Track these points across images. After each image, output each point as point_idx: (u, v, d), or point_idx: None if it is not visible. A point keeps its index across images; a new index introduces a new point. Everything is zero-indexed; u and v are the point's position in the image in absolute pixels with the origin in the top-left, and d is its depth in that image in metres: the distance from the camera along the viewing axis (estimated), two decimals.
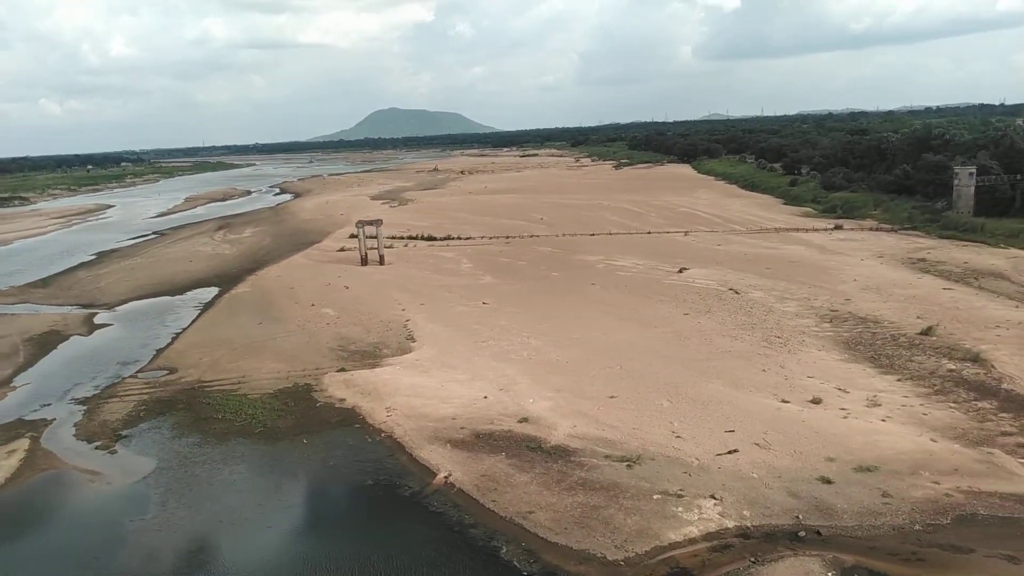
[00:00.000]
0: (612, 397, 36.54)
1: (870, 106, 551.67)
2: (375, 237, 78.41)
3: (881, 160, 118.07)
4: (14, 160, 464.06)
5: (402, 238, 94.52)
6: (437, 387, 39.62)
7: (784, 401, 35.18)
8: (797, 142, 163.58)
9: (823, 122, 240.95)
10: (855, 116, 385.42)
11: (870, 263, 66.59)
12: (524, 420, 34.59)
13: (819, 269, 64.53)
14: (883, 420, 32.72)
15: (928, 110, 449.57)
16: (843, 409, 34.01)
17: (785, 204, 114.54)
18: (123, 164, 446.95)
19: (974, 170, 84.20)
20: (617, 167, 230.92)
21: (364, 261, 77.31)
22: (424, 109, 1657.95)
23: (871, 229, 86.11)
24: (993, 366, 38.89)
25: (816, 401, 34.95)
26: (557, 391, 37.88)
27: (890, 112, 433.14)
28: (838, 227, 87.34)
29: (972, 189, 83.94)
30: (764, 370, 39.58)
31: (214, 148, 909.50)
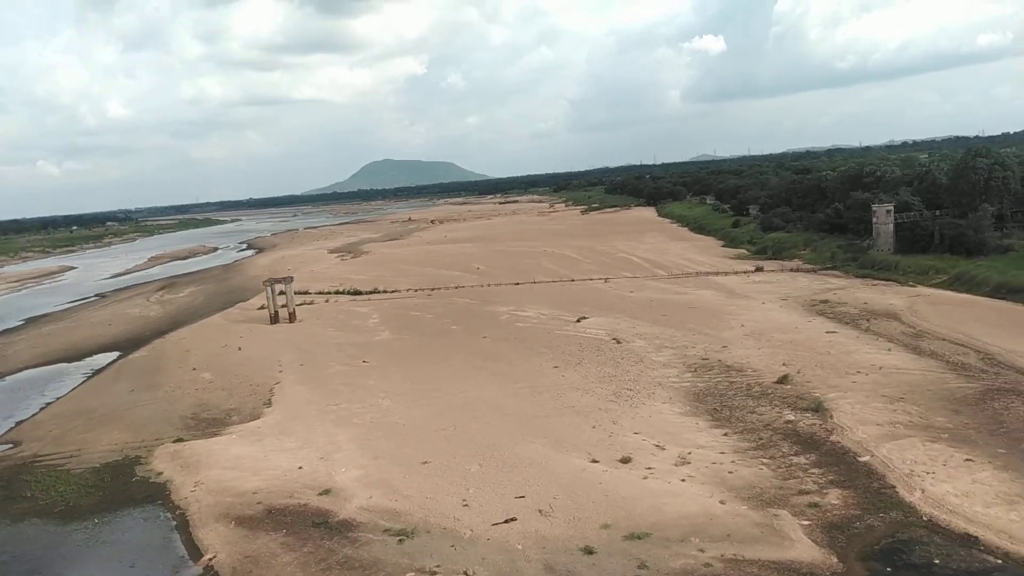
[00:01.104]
0: (425, 463, 35.32)
1: (858, 142, 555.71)
2: (284, 293, 77.69)
3: (822, 199, 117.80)
4: (4, 223, 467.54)
5: (330, 293, 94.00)
6: (260, 457, 38.41)
7: (594, 461, 33.98)
8: (750, 183, 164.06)
9: (785, 161, 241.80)
10: (832, 153, 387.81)
11: (769, 307, 65.70)
12: (325, 492, 33.33)
13: (714, 314, 63.60)
14: (683, 480, 31.49)
15: (905, 144, 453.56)
16: (649, 469, 32.79)
17: (724, 246, 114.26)
18: (108, 224, 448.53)
19: (892, 207, 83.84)
20: (585, 212, 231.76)
21: (274, 319, 76.46)
22: (418, 159, 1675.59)
23: (792, 270, 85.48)
24: (831, 416, 37.74)
25: (625, 460, 33.74)
26: (376, 458, 36.67)
27: (867, 148, 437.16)
28: (759, 269, 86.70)
29: (891, 226, 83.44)
30: (594, 427, 38.41)
31: (207, 204, 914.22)
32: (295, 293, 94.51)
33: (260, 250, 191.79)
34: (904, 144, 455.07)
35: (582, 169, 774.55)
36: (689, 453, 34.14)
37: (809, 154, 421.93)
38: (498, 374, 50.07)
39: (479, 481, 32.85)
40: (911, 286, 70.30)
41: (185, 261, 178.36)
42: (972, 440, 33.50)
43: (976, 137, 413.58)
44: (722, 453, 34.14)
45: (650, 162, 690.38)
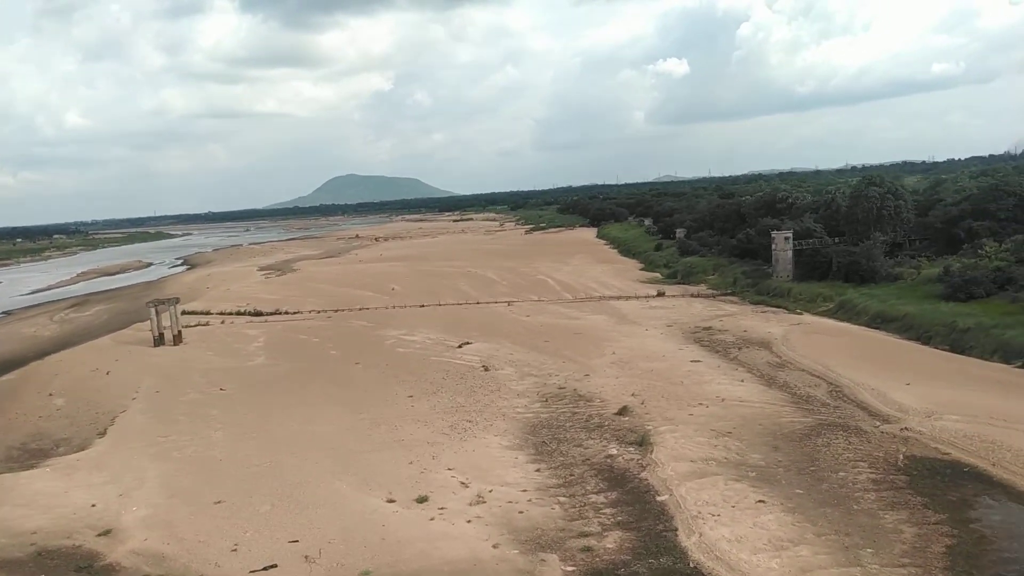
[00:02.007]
0: (218, 502, 33.81)
1: (819, 165, 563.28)
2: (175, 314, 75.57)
3: (741, 223, 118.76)
4: None
5: (232, 313, 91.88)
6: (60, 493, 36.57)
7: (390, 500, 32.80)
8: (683, 205, 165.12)
9: (724, 185, 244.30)
10: (785, 176, 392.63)
11: (651, 333, 65.34)
12: (105, 533, 31.67)
13: (595, 341, 63.01)
14: (469, 521, 30.44)
15: (855, 168, 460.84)
16: (442, 509, 31.70)
17: (642, 269, 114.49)
18: (55, 237, 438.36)
19: (790, 234, 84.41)
20: (529, 232, 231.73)
21: (158, 341, 74.23)
22: (382, 175, 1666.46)
23: (693, 295, 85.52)
24: (652, 451, 37.05)
25: (422, 500, 32.60)
26: (171, 496, 35.07)
27: (818, 171, 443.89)
28: (661, 294, 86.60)
29: (789, 253, 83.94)
30: (411, 462, 37.25)
31: (165, 217, 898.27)
32: (199, 313, 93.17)
33: (193, 266, 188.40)
34: (853, 168, 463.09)
35: (546, 187, 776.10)
36: (490, 491, 33.14)
37: (761, 176, 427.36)
38: (347, 404, 48.73)
39: (263, 523, 31.45)
40: (798, 313, 70.56)
41: (112, 277, 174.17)
42: (776, 479, 32.99)
43: (923, 162, 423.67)
44: (523, 491, 33.18)
45: (612, 182, 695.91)
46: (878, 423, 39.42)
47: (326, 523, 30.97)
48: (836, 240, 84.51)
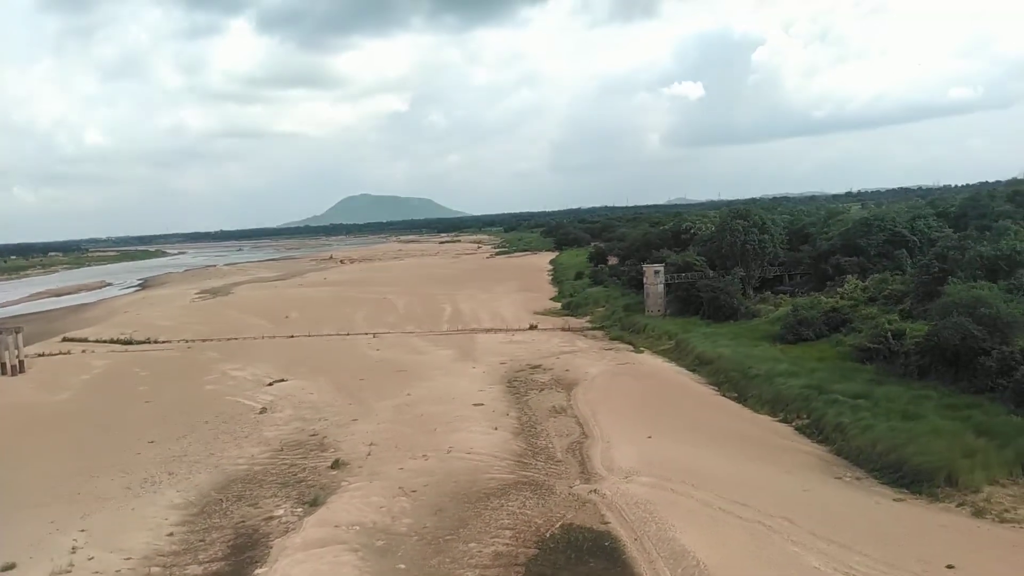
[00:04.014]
0: None
1: (835, 189, 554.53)
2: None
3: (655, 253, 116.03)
4: None
5: (107, 341, 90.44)
6: None
7: None
8: (638, 233, 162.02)
9: (689, 210, 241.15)
10: (796, 201, 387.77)
11: (475, 371, 63.13)
12: None
13: (406, 381, 60.72)
14: None
15: (850, 193, 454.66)
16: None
17: (551, 299, 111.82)
18: (51, 254, 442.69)
19: (660, 268, 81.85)
20: (492, 256, 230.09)
21: (3, 370, 72.86)
22: (396, 195, 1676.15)
23: (563, 328, 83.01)
24: (313, 512, 34.57)
25: (8, 567, 30.30)
26: None
27: (812, 197, 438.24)
28: (533, 327, 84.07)
29: (660, 287, 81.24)
30: (52, 521, 34.91)
31: (176, 235, 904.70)
32: (78, 340, 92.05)
33: (143, 287, 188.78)
34: (859, 193, 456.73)
35: (558, 209, 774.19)
36: (91, 559, 30.77)
37: (774, 200, 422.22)
38: (82, 449, 46.64)
39: None
40: (640, 352, 67.91)
41: (60, 298, 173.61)
42: (393, 551, 30.55)
43: (919, 187, 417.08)
44: (128, 559, 30.78)
45: (623, 204, 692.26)
46: (577, 483, 36.70)
47: None
48: (711, 274, 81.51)
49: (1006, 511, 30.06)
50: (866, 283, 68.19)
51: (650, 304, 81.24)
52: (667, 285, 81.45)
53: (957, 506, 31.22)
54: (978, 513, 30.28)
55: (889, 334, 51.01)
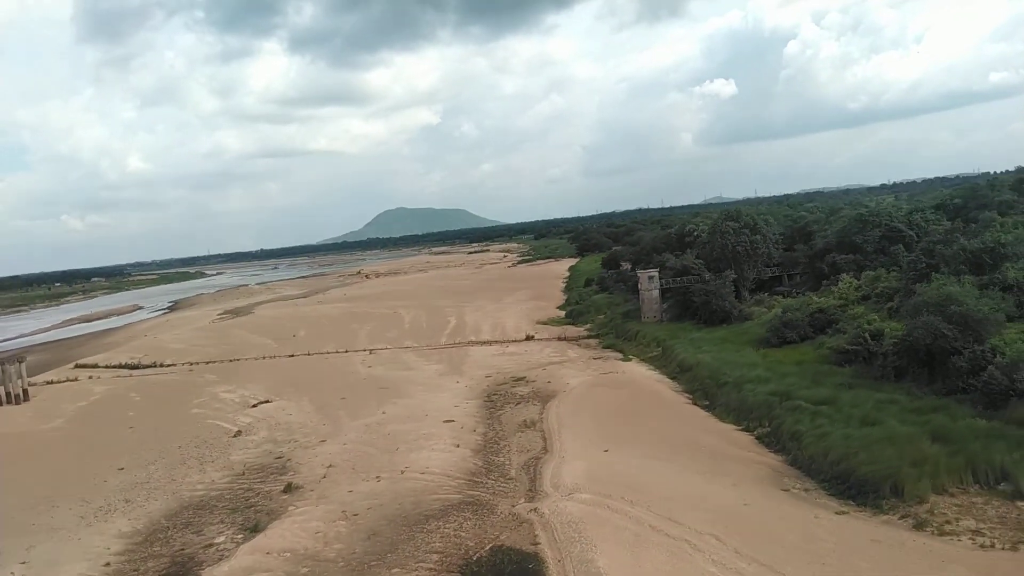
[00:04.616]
0: None
1: (872, 181, 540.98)
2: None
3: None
4: (4, 278, 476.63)
5: (115, 367, 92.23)
6: None
7: None
8: (650, 237, 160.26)
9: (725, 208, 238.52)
10: (831, 195, 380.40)
11: (458, 387, 62.74)
12: None
13: (385, 398, 60.41)
14: None
15: (896, 185, 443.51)
16: None
17: (558, 308, 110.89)
18: (94, 280, 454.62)
19: (655, 273, 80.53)
20: (514, 264, 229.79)
21: (6, 399, 74.58)
22: (431, 207, 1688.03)
23: (560, 338, 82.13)
24: (252, 539, 34.46)
25: None
26: None
27: (846, 191, 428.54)
28: (529, 338, 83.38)
29: (655, 292, 79.97)
30: None
31: (217, 256, 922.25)
32: (89, 367, 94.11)
33: (172, 310, 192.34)
34: (895, 185, 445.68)
35: (591, 214, 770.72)
36: None
37: (806, 195, 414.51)
38: (51, 479, 47.14)
39: None
40: (627, 360, 66.74)
41: (89, 323, 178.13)
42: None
43: (956, 176, 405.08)
44: None
45: (657, 206, 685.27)
46: (521, 502, 36.00)
47: None
48: (707, 278, 79.89)
49: (947, 523, 28.55)
50: (860, 281, 66.07)
51: (645, 310, 79.96)
52: (663, 290, 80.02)
53: (900, 518, 29.78)
54: (919, 526, 28.83)
55: (868, 335, 49.24)
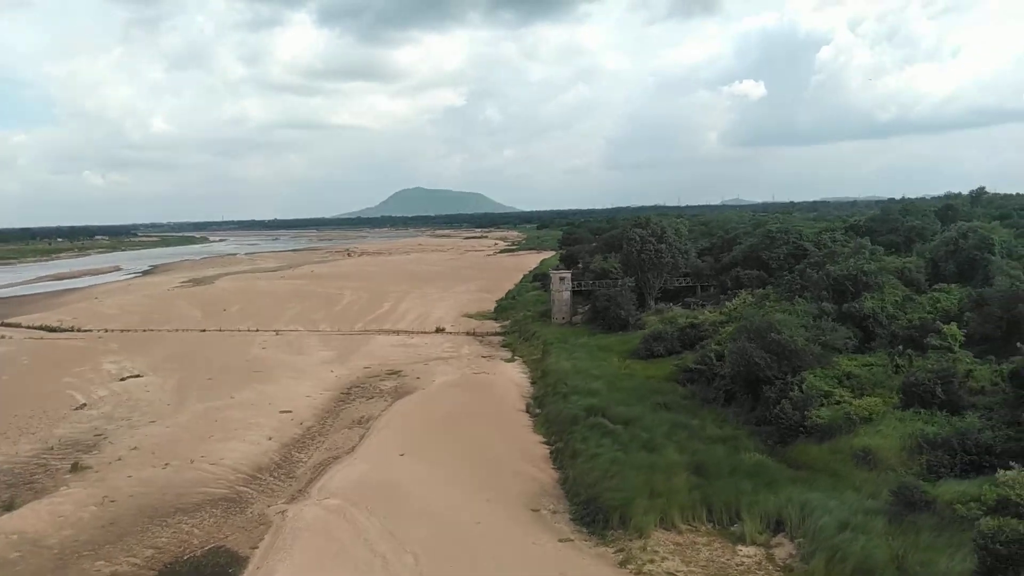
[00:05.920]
0: None
1: (898, 194, 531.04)
2: None
3: None
4: (13, 230, 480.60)
5: (38, 328, 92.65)
6: None
7: None
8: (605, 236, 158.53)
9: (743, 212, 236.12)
10: (861, 205, 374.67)
11: (332, 375, 62.10)
12: None
13: (255, 379, 60.01)
14: None
15: (905, 199, 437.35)
16: None
17: (497, 301, 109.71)
18: (96, 238, 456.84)
19: (567, 275, 79.39)
20: (494, 253, 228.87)
21: None
22: (448, 189, 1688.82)
23: (468, 332, 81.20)
24: (4, 515, 33.85)
25: None
26: None
27: (862, 202, 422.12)
28: (440, 330, 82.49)
29: (565, 294, 78.78)
30: None
31: (231, 223, 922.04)
32: (12, 326, 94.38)
33: (145, 274, 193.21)
34: (892, 200, 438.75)
35: (609, 207, 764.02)
36: None
37: (810, 205, 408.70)
38: None
39: None
40: (512, 360, 66.19)
41: (59, 282, 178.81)
42: (18, 566, 29.43)
43: (948, 193, 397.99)
44: None
45: (674, 203, 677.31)
46: (280, 503, 35.26)
47: None
48: (623, 282, 78.66)
49: (650, 562, 27.37)
50: (754, 298, 64.55)
51: (555, 311, 78.84)
52: (573, 292, 78.86)
53: (614, 552, 28.64)
54: (624, 562, 27.66)
55: (713, 355, 48.01)
